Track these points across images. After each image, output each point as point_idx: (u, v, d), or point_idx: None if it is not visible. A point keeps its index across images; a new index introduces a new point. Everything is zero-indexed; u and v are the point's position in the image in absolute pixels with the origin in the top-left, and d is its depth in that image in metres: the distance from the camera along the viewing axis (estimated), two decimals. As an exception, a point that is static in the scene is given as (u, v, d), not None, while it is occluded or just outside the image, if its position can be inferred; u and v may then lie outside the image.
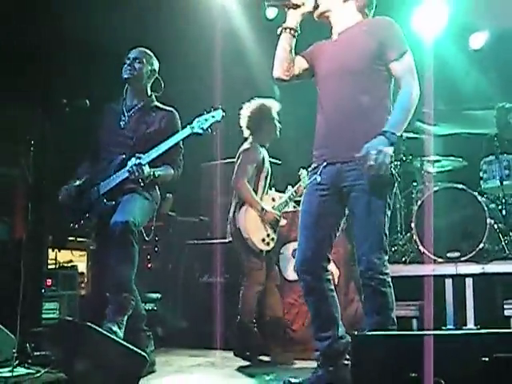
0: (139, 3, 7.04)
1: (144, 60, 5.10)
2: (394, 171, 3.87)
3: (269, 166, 6.02)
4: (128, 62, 5.08)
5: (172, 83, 5.39)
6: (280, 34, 4.10)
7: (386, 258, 3.83)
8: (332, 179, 3.90)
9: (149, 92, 5.19)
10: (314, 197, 3.98)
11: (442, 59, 8.05)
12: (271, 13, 8.15)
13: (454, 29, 8.09)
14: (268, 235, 5.77)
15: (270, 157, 6.10)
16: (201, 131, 4.73)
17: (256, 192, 5.86)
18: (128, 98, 5.19)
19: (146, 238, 5.07)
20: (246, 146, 5.96)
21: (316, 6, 4.06)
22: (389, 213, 3.86)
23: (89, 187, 5.05)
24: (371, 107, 3.88)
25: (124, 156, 4.91)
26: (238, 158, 5.91)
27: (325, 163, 3.93)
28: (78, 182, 5.08)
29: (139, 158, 4.72)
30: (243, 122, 6.00)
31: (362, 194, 3.81)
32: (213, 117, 4.76)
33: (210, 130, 4.75)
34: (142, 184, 4.84)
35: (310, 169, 4.08)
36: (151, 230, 5.17)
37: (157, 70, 5.20)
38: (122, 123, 5.08)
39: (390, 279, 3.83)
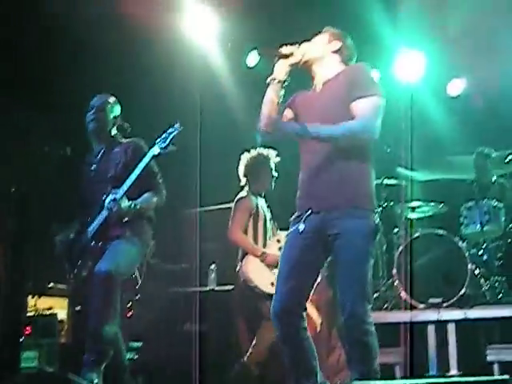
0: (115, 47, 7.06)
1: (107, 107, 5.14)
2: (378, 220, 3.88)
3: (267, 212, 6.01)
4: (91, 111, 5.12)
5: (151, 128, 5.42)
6: (267, 85, 4.06)
7: (370, 307, 3.81)
8: (316, 227, 3.88)
9: (112, 133, 5.21)
10: (296, 244, 3.95)
11: (422, 106, 8.16)
12: (252, 61, 8.24)
13: (432, 76, 8.21)
14: None
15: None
16: (161, 151, 4.77)
17: (256, 239, 5.84)
18: (94, 145, 5.23)
19: (135, 286, 5.05)
20: (241, 194, 5.99)
21: (303, 56, 4.06)
22: (372, 261, 3.86)
23: (79, 234, 5.04)
24: (354, 155, 3.89)
25: (103, 198, 4.90)
26: (234, 207, 5.93)
27: (309, 211, 3.92)
28: (72, 234, 5.08)
29: (115, 193, 4.73)
30: (241, 170, 6.03)
31: (346, 242, 3.79)
32: (170, 133, 4.79)
33: (172, 145, 4.78)
34: (126, 222, 4.83)
35: (292, 218, 4.06)
36: (139, 278, 5.14)
37: (119, 115, 5.22)
38: (92, 172, 5.11)
39: (373, 328, 3.80)
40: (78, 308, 6.25)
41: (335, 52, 4.14)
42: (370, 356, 3.78)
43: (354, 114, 3.85)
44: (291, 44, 4.06)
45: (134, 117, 5.30)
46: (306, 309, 4.00)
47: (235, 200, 5.95)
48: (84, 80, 6.84)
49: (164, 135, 4.82)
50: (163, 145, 4.77)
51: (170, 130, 4.82)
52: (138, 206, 4.85)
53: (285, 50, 4.02)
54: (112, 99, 5.22)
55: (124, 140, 5.19)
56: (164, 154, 4.79)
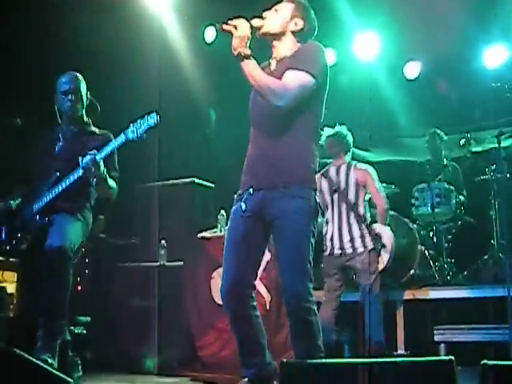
0: (74, 23, 6.94)
1: (80, 88, 5.05)
2: (317, 199, 3.88)
3: None
4: (66, 96, 5.00)
5: (107, 101, 5.35)
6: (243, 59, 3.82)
7: (311, 285, 3.81)
8: (257, 206, 3.86)
9: (85, 118, 5.15)
10: (239, 224, 3.92)
11: (378, 87, 8.20)
12: (209, 36, 8.19)
13: (388, 58, 8.25)
14: None
15: (204, 180, 6.06)
16: (135, 136, 4.62)
17: None
18: (64, 124, 5.12)
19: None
20: None
21: (261, 27, 3.96)
22: (313, 241, 3.84)
23: (21, 207, 4.96)
24: (296, 134, 3.87)
25: (59, 174, 4.83)
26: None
27: (250, 190, 3.91)
28: (10, 203, 4.97)
29: (93, 154, 4.60)
30: None
31: (286, 221, 3.78)
32: (147, 121, 4.65)
33: (144, 135, 4.65)
34: (73, 197, 4.77)
35: (235, 195, 4.04)
36: (84, 253, 5.08)
37: (87, 92, 5.14)
38: (57, 148, 5.02)
39: (315, 307, 3.81)
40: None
41: (294, 32, 4.07)
42: (313, 334, 3.79)
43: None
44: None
45: (92, 89, 5.21)
46: (254, 287, 4.00)
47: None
48: (38, 53, 6.71)
49: (139, 121, 4.64)
50: (138, 131, 4.62)
51: (147, 118, 4.64)
52: (107, 181, 4.78)
53: (243, 22, 3.87)
54: (80, 77, 5.12)
55: (97, 130, 5.12)
56: (133, 141, 4.69)
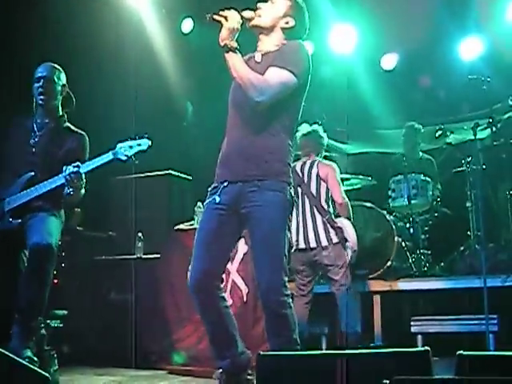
0: (50, 14, 6.88)
1: (55, 78, 4.98)
2: (292, 193, 3.89)
3: None
4: (39, 82, 4.94)
5: (84, 93, 5.31)
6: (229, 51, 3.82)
7: (286, 279, 3.82)
8: (232, 199, 3.86)
9: (60, 111, 5.08)
10: (212, 216, 3.92)
11: (355, 79, 8.21)
12: (187, 27, 8.16)
13: (365, 50, 8.26)
14: None
15: (181, 172, 6.03)
16: (124, 158, 4.61)
17: None
18: (38, 115, 5.03)
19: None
20: None
21: (252, 19, 3.95)
22: (288, 234, 3.88)
23: None
24: (273, 129, 3.88)
25: (33, 174, 4.78)
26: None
27: (226, 183, 3.90)
28: None
29: (77, 166, 4.56)
30: None
31: (261, 214, 3.79)
32: (139, 145, 4.63)
33: (133, 158, 4.64)
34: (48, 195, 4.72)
35: (210, 188, 4.03)
36: (60, 247, 5.04)
37: (65, 83, 5.09)
38: (32, 141, 4.93)
39: (290, 300, 3.82)
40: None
41: (284, 29, 4.05)
42: (288, 328, 3.80)
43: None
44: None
45: (68, 82, 5.16)
46: (223, 279, 4.01)
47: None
48: (17, 45, 6.64)
49: (130, 143, 4.62)
50: (127, 153, 4.59)
51: (139, 142, 4.62)
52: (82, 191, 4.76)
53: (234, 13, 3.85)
54: (58, 67, 5.06)
55: (73, 128, 5.06)
56: (121, 160, 4.66)
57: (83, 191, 4.82)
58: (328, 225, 5.70)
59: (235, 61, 3.78)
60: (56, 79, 4.99)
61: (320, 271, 5.85)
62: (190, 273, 3.91)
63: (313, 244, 5.70)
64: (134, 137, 4.67)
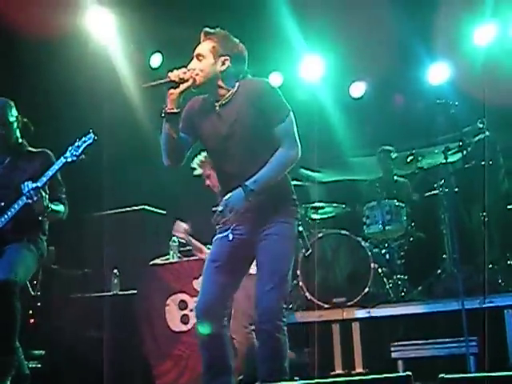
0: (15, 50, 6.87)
1: (6, 120, 4.92)
2: (300, 227, 4.01)
3: None
4: None
5: (53, 133, 5.28)
6: (164, 117, 3.83)
7: (285, 306, 3.85)
8: (245, 236, 3.92)
9: (19, 139, 5.05)
10: (223, 249, 3.97)
11: (324, 108, 8.26)
12: (155, 61, 8.19)
13: (333, 79, 8.34)
14: None
15: (155, 207, 6.03)
16: (75, 158, 4.65)
17: None
18: None
19: (32, 293, 4.87)
20: None
21: (194, 80, 3.85)
22: (292, 264, 3.94)
23: None
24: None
25: (3, 204, 4.74)
26: None
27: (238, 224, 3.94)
28: None
29: (33, 182, 4.55)
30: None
31: (271, 243, 3.85)
32: (84, 141, 4.69)
33: (83, 155, 4.67)
34: (24, 226, 4.67)
35: (218, 226, 4.03)
36: (36, 285, 4.98)
37: (18, 116, 5.03)
38: None
39: (285, 327, 3.82)
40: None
41: (225, 71, 3.94)
42: (280, 354, 3.79)
43: (279, 137, 3.85)
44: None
45: (39, 120, 5.14)
46: (228, 308, 4.05)
47: None
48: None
49: (77, 143, 4.69)
50: (76, 153, 4.65)
51: (84, 139, 4.69)
52: (52, 209, 4.71)
53: (173, 75, 3.80)
54: (8, 103, 5.02)
55: (32, 149, 5.04)
56: (73, 162, 4.66)
57: (61, 207, 4.83)
58: None
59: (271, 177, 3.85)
60: (10, 118, 4.93)
61: None
62: (198, 297, 3.93)
63: None
64: (80, 136, 4.72)
